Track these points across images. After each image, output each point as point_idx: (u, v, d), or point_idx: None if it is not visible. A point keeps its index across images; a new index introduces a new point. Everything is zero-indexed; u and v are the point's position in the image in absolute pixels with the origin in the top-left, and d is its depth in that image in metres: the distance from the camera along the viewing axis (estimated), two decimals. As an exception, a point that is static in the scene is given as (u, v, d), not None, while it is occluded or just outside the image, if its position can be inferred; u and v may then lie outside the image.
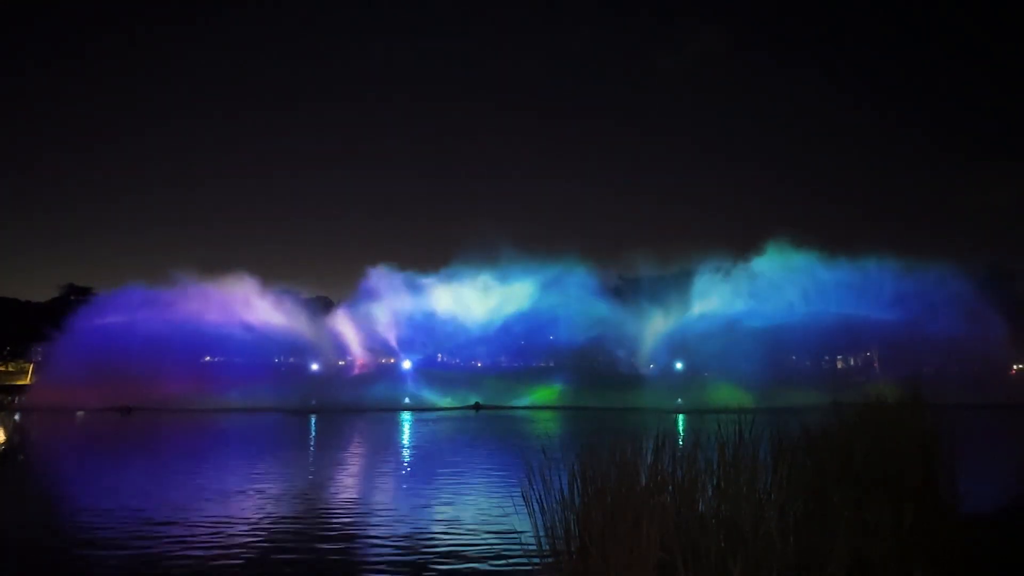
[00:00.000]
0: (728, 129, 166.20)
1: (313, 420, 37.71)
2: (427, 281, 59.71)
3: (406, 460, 21.10)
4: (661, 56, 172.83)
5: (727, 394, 40.31)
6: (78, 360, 47.43)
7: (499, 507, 11.80)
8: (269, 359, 58.92)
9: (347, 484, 16.39)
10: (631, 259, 63.63)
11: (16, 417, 39.66)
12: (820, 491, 6.50)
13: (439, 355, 64.74)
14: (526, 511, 6.09)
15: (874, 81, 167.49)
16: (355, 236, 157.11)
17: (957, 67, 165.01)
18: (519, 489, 6.26)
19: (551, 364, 61.41)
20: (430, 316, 58.25)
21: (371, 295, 59.24)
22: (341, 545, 9.82)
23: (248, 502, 13.17)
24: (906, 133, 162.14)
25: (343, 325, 58.98)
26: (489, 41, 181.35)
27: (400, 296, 58.81)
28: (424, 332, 58.32)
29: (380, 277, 59.38)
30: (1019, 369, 51.81)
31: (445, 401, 49.55)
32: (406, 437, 28.93)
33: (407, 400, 49.57)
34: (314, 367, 56.56)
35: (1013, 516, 9.75)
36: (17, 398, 48.34)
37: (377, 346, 59.89)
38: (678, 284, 54.74)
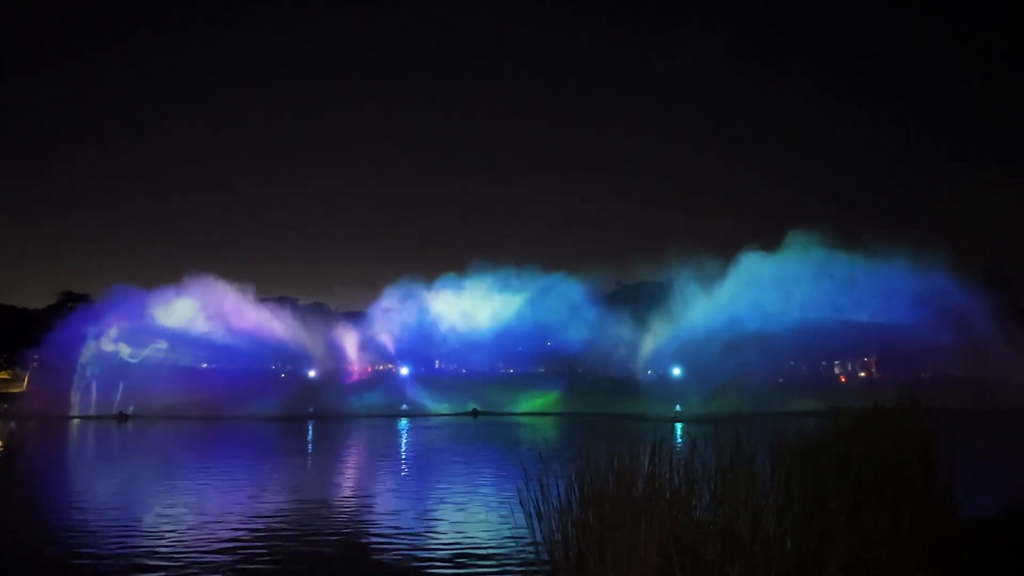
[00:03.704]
0: (723, 133, 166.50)
1: (311, 427, 37.61)
2: (425, 289, 59.71)
3: (403, 467, 21.05)
4: (654, 62, 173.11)
5: (725, 400, 40.22)
6: (72, 367, 47.33)
7: (497, 514, 11.76)
8: (266, 366, 58.79)
9: (344, 492, 16.34)
10: (628, 264, 63.66)
11: (12, 425, 39.49)
12: (818, 496, 6.50)
13: (436, 362, 64.66)
14: (524, 518, 6.08)
15: (869, 86, 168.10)
16: (352, 243, 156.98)
17: (951, 69, 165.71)
18: (517, 496, 6.25)
19: (553, 370, 61.42)
20: (428, 324, 58.19)
21: (377, 308, 59.39)
22: (339, 552, 9.79)
23: (246, 509, 13.12)
24: (902, 137, 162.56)
25: (341, 333, 58.95)
26: (482, 48, 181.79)
27: (401, 306, 58.75)
28: (422, 339, 58.23)
29: (389, 291, 59.44)
30: None
31: (443, 407, 49.45)
32: (404, 444, 28.87)
33: (405, 407, 49.46)
34: (311, 374, 56.44)
35: (1011, 519, 9.75)
36: (12, 405, 48.07)
37: (375, 353, 59.82)
38: (674, 289, 54.72)
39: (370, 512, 13.13)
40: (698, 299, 53.27)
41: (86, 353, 48.24)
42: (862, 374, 62.58)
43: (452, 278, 59.64)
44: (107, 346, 49.19)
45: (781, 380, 49.28)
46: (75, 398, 46.80)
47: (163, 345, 50.93)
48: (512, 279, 58.47)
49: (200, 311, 52.57)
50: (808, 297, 50.63)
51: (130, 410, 44.76)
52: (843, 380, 60.00)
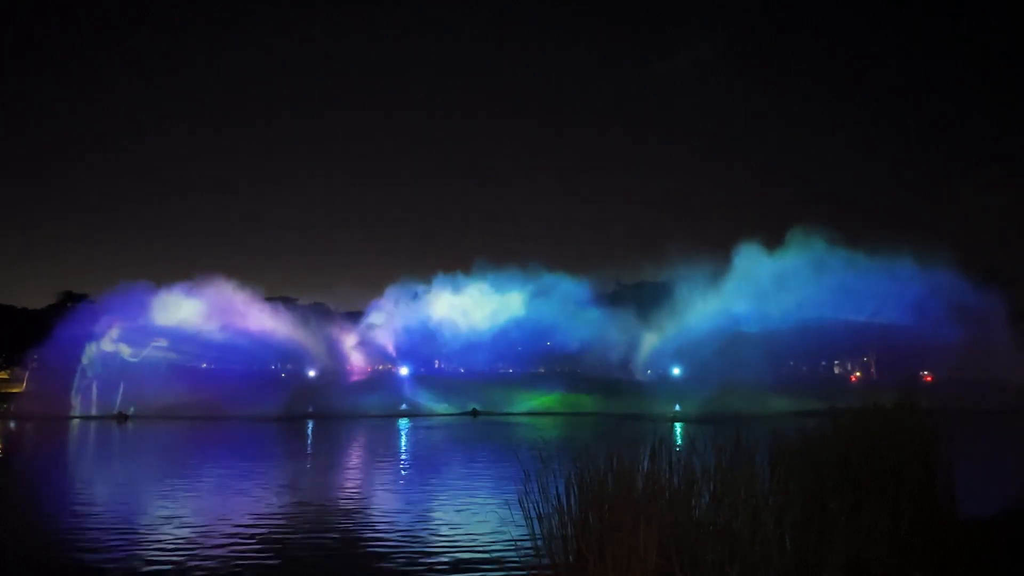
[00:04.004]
0: (722, 133, 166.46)
1: (310, 427, 37.61)
2: (424, 289, 59.72)
3: (403, 467, 21.05)
4: (654, 62, 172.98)
5: (724, 400, 40.23)
6: (73, 366, 47.30)
7: (496, 514, 11.76)
8: (266, 366, 58.75)
9: (344, 492, 16.34)
10: (628, 264, 63.65)
11: (11, 425, 39.49)
12: (818, 496, 6.50)
13: (436, 362, 64.65)
14: (523, 518, 6.08)
15: (869, 86, 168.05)
16: (352, 243, 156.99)
17: (951, 69, 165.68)
18: (516, 496, 6.24)
19: (553, 370, 61.41)
20: (428, 324, 58.20)
21: (376, 308, 59.38)
22: (338, 554, 9.79)
23: (245, 510, 13.11)
24: (902, 137, 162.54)
25: (341, 333, 58.95)
26: (482, 48, 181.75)
27: (401, 306, 58.77)
28: (421, 339, 58.24)
29: (389, 291, 59.49)
30: None
31: (442, 407, 49.43)
32: (403, 444, 28.87)
33: (404, 407, 49.45)
34: (311, 374, 56.45)
35: (1012, 519, 9.76)
36: (12, 406, 48.04)
37: (375, 353, 59.82)
38: (674, 290, 54.70)
39: (370, 513, 13.13)
40: (698, 299, 53.23)
41: (87, 353, 48.19)
42: (858, 373, 62.69)
43: (452, 278, 59.65)
44: (107, 346, 49.17)
45: (780, 380, 49.24)
46: (75, 398, 46.76)
47: (163, 343, 50.89)
48: (512, 279, 58.44)
49: (201, 311, 52.55)
50: (808, 296, 50.55)
51: (131, 411, 44.73)
52: (853, 379, 59.74)
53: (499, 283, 58.39)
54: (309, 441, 30.54)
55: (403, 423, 40.10)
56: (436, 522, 11.93)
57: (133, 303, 51.38)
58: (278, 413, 43.38)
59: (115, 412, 44.57)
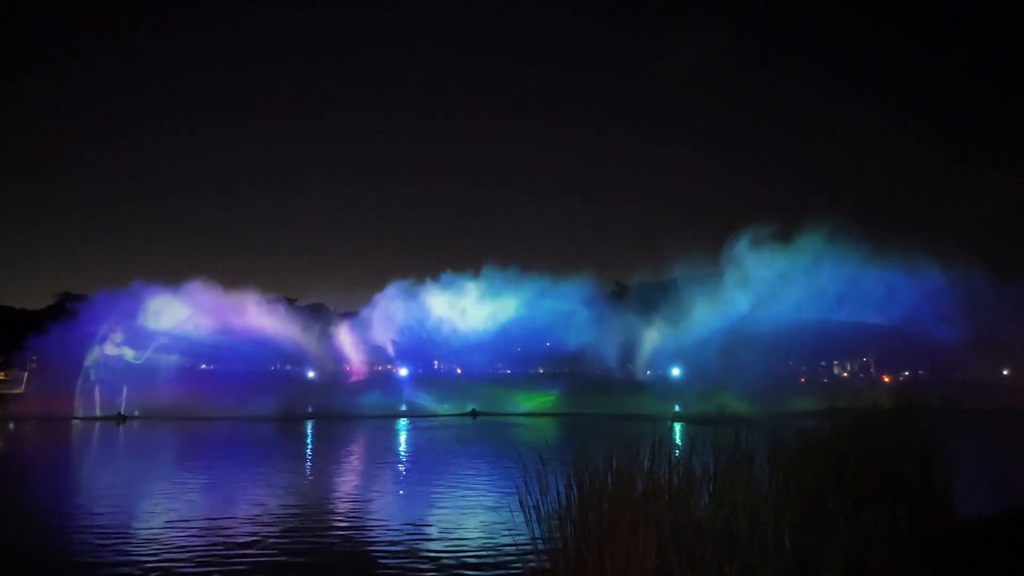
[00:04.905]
0: (722, 133, 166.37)
1: (310, 427, 37.61)
2: (423, 289, 59.68)
3: (403, 467, 21.06)
4: (654, 62, 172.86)
5: (725, 401, 40.26)
6: (71, 367, 47.24)
7: (496, 514, 11.77)
8: (266, 366, 58.72)
9: (343, 492, 16.34)
10: (627, 264, 63.61)
11: (11, 426, 39.47)
12: (816, 497, 6.50)
13: (436, 362, 64.63)
14: (523, 518, 6.08)
15: (869, 86, 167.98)
16: (352, 243, 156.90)
17: (951, 69, 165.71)
18: (516, 496, 6.25)
19: (552, 370, 61.43)
20: (427, 324, 58.18)
21: (376, 308, 59.35)
22: (338, 555, 9.79)
23: (245, 511, 13.11)
24: (902, 137, 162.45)
25: (341, 334, 58.92)
26: (482, 48, 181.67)
27: (400, 306, 58.73)
28: (421, 340, 58.22)
29: (388, 291, 59.46)
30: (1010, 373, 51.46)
31: (442, 408, 49.42)
32: (403, 444, 28.86)
33: (404, 407, 49.44)
34: (311, 374, 56.42)
35: (1011, 519, 9.75)
36: (11, 407, 47.98)
37: (374, 354, 59.78)
38: (673, 290, 54.62)
39: (369, 514, 13.12)
40: (697, 299, 53.17)
41: (90, 355, 48.15)
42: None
43: (452, 278, 59.61)
44: (110, 349, 49.16)
45: (780, 380, 49.22)
46: (77, 399, 46.69)
47: (166, 340, 50.86)
48: (512, 279, 58.44)
49: (200, 312, 52.51)
50: (808, 295, 50.48)
51: (136, 413, 44.76)
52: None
53: (499, 283, 58.39)
54: (309, 442, 30.53)
55: (402, 424, 40.09)
56: (436, 523, 11.93)
57: (133, 304, 51.33)
58: (278, 414, 43.39)
59: (116, 413, 44.57)
